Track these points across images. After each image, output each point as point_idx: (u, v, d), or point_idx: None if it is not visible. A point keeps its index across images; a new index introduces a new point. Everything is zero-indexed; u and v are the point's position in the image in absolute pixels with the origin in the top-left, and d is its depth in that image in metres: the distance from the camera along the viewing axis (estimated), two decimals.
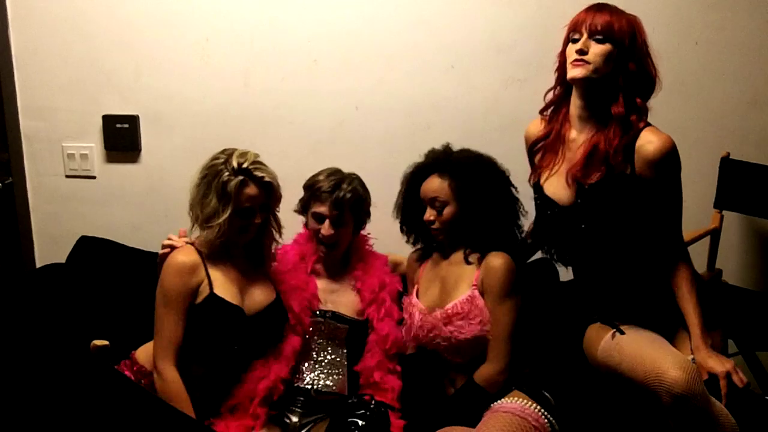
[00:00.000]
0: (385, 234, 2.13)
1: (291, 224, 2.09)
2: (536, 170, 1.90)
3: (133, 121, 2.49)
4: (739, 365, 1.69)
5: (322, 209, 1.99)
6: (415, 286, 2.05)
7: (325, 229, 1.99)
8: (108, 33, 2.44)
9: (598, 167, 1.75)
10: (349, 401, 1.80)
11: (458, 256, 1.95)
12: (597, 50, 1.70)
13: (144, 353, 1.91)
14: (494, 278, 1.85)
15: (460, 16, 2.36)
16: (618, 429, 1.80)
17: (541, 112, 1.90)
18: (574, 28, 1.74)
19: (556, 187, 1.84)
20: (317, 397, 1.96)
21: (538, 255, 2.05)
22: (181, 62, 2.45)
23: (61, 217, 2.60)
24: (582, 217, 1.80)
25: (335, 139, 2.47)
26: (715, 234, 2.43)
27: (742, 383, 1.65)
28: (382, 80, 2.42)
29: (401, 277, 2.14)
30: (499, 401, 1.79)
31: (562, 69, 1.80)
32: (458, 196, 1.89)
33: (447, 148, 1.99)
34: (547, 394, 1.81)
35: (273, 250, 2.02)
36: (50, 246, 2.59)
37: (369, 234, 2.16)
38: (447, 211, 1.91)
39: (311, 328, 2.00)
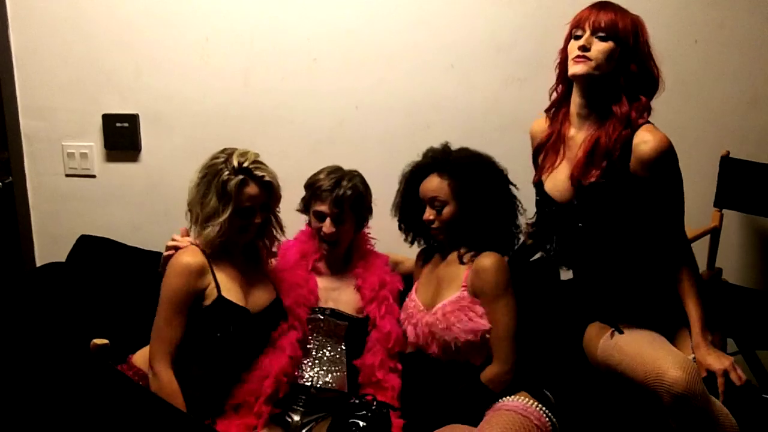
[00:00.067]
0: (385, 233, 2.13)
1: (293, 224, 2.09)
2: (539, 170, 1.91)
3: (133, 120, 2.49)
4: (738, 364, 1.69)
5: (323, 207, 1.99)
6: (415, 284, 2.06)
7: (327, 227, 1.99)
8: (108, 33, 2.44)
9: (600, 163, 1.74)
10: (351, 401, 1.80)
11: (454, 255, 1.95)
12: (599, 47, 1.70)
13: (141, 357, 1.90)
14: (484, 279, 1.84)
15: (460, 15, 2.36)
16: (618, 429, 1.80)
17: (547, 111, 1.90)
18: (577, 24, 1.74)
19: (555, 184, 1.84)
20: (318, 394, 1.96)
21: (538, 255, 2.04)
22: (181, 62, 2.45)
23: (61, 216, 2.60)
24: (579, 216, 1.81)
25: (335, 138, 2.47)
26: (715, 233, 2.43)
27: (741, 381, 1.65)
28: (382, 80, 2.42)
29: (402, 277, 2.13)
30: (501, 400, 1.79)
31: (563, 65, 1.80)
32: (458, 195, 1.89)
33: (446, 147, 1.99)
34: (547, 393, 1.81)
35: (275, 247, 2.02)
36: (50, 245, 2.59)
37: (369, 234, 2.15)
38: (446, 210, 1.90)
39: (310, 326, 2.00)
